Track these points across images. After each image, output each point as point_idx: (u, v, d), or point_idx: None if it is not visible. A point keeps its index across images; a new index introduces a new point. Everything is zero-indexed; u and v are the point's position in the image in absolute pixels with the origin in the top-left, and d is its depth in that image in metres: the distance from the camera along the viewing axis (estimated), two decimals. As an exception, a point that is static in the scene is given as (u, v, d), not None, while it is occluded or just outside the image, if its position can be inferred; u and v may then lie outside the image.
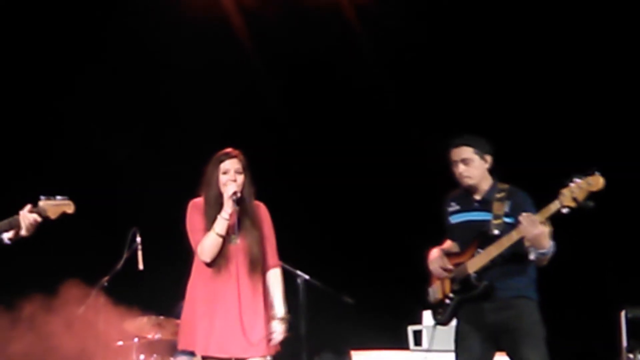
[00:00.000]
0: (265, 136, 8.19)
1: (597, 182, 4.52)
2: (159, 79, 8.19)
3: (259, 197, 5.22)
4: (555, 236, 4.74)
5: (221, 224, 4.94)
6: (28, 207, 4.46)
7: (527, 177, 5.08)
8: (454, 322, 5.15)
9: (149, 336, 6.93)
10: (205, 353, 4.89)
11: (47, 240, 4.60)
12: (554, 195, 4.62)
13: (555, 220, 4.66)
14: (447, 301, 5.07)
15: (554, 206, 4.60)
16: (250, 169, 5.11)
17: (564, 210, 4.57)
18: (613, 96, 7.85)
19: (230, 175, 5.01)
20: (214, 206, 5.00)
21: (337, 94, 8.63)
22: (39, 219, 4.47)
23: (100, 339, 6.90)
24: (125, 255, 6.53)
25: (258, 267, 5.04)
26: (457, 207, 5.14)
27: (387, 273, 8.01)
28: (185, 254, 5.29)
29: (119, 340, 6.99)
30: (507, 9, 8.01)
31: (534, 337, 4.86)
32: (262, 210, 5.18)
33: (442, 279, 5.12)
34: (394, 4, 8.25)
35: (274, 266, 5.16)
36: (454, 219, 5.15)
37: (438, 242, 5.33)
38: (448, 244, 5.24)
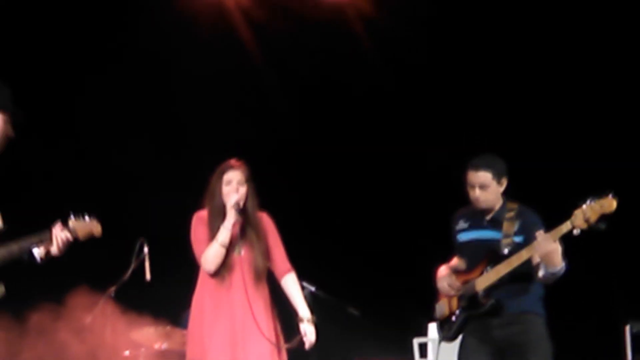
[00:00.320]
0: (272, 147, 8.21)
1: (611, 204, 4.53)
2: (168, 90, 8.23)
3: (265, 208, 5.26)
4: (565, 254, 4.76)
5: (224, 234, 4.98)
6: (59, 224, 4.50)
7: (529, 181, 5.09)
8: (459, 338, 5.18)
9: (156, 346, 6.94)
10: None
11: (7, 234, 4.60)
12: (559, 208, 4.65)
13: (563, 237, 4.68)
14: (454, 318, 5.10)
15: (565, 227, 4.62)
16: (256, 180, 5.15)
17: (576, 232, 4.59)
18: (623, 103, 7.86)
19: (233, 186, 5.06)
20: (218, 217, 5.04)
21: (345, 105, 8.65)
22: (71, 238, 4.53)
23: (108, 349, 6.91)
24: (132, 266, 6.55)
25: (262, 277, 5.08)
26: (465, 225, 5.15)
27: (394, 285, 8.01)
28: (191, 265, 5.33)
29: (126, 350, 7.01)
30: (511, 16, 8.04)
31: (541, 353, 4.89)
32: (266, 220, 5.22)
33: (449, 297, 5.14)
34: (400, 16, 8.27)
35: (287, 271, 5.19)
36: (463, 237, 5.17)
37: (445, 256, 5.35)
38: (455, 261, 5.25)
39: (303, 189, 8.27)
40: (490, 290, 4.91)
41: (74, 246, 4.67)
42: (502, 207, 5.03)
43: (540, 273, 4.81)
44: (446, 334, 5.19)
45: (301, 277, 5.81)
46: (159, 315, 6.97)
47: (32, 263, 4.51)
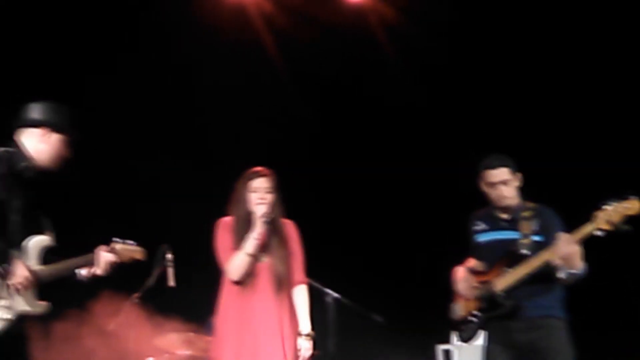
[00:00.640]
0: (295, 155, 8.23)
1: (635, 206, 4.55)
2: (190, 99, 8.28)
3: (289, 215, 5.26)
4: (585, 257, 4.75)
5: (251, 244, 4.98)
6: (104, 247, 4.64)
7: (556, 191, 5.09)
8: (479, 342, 5.16)
9: (179, 352, 6.96)
10: None
11: (58, 251, 4.67)
12: (580, 210, 4.64)
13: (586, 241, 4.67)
14: (472, 318, 5.08)
15: (588, 228, 4.63)
16: (281, 188, 5.15)
17: (599, 233, 4.59)
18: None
19: (259, 194, 5.05)
20: (243, 224, 5.04)
21: (367, 112, 8.66)
22: (116, 260, 4.65)
23: (131, 355, 6.95)
24: (156, 272, 6.58)
25: (284, 285, 5.07)
26: (483, 226, 5.17)
27: (417, 292, 8.00)
28: (212, 271, 5.35)
29: (150, 356, 7.03)
30: (532, 25, 8.03)
31: (564, 357, 4.87)
32: (290, 228, 5.21)
33: (466, 297, 5.13)
34: (422, 24, 8.28)
35: (300, 282, 5.18)
36: (481, 238, 5.17)
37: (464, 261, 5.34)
38: (472, 262, 5.24)
39: (327, 197, 8.28)
40: (510, 291, 4.90)
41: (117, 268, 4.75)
42: (520, 207, 5.05)
43: (560, 275, 4.80)
44: (464, 335, 5.18)
45: (326, 284, 5.84)
46: (182, 321, 7.00)
47: (78, 282, 4.64)
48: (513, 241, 4.95)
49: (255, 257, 5.02)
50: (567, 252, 4.67)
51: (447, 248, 7.33)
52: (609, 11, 7.74)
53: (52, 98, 6.22)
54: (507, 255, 4.94)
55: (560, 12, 7.91)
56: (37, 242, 4.43)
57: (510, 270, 4.89)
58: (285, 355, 4.96)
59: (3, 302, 4.20)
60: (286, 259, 5.10)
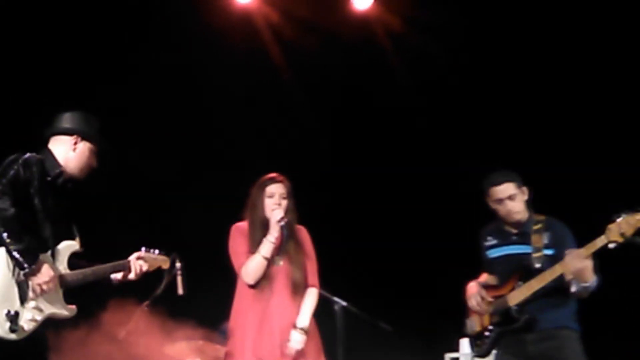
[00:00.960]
0: (302, 162, 8.26)
1: None
2: (199, 107, 8.33)
3: (297, 222, 5.30)
4: (597, 268, 4.76)
5: (267, 247, 5.03)
6: (136, 255, 4.82)
7: (566, 203, 5.09)
8: (492, 353, 5.18)
9: (188, 360, 7.00)
10: None
11: (83, 256, 4.73)
12: (591, 224, 4.66)
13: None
14: (487, 333, 5.12)
15: (600, 241, 4.66)
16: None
17: (611, 246, 4.60)
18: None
19: (275, 200, 5.10)
20: (259, 229, 5.09)
21: (373, 120, 8.70)
22: (147, 268, 4.87)
23: (141, 363, 6.98)
24: (165, 280, 6.60)
25: (300, 290, 5.13)
26: (494, 242, 5.19)
27: (425, 300, 8.02)
28: (222, 279, 5.38)
29: (159, 364, 7.07)
30: (540, 33, 8.06)
31: None
32: (304, 234, 5.26)
33: (481, 312, 5.14)
34: (428, 33, 8.32)
35: (311, 286, 5.21)
36: (493, 254, 5.20)
37: (475, 271, 5.36)
38: (485, 277, 5.25)
39: (334, 204, 8.30)
40: (524, 305, 4.92)
41: (103, 258, 4.81)
42: (529, 221, 5.07)
43: (573, 288, 4.82)
44: (479, 350, 5.20)
45: (333, 292, 5.85)
46: (197, 326, 7.03)
47: (106, 285, 4.82)
48: (525, 255, 4.99)
49: (270, 261, 5.05)
50: (578, 268, 4.67)
51: (456, 257, 7.39)
52: (614, 15, 7.78)
53: (62, 104, 6.29)
54: (520, 270, 4.98)
55: (565, 18, 7.94)
56: (66, 247, 4.52)
57: (524, 284, 4.91)
58: (309, 355, 5.01)
59: (33, 304, 4.25)
60: (302, 263, 5.15)
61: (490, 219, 5.27)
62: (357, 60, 8.54)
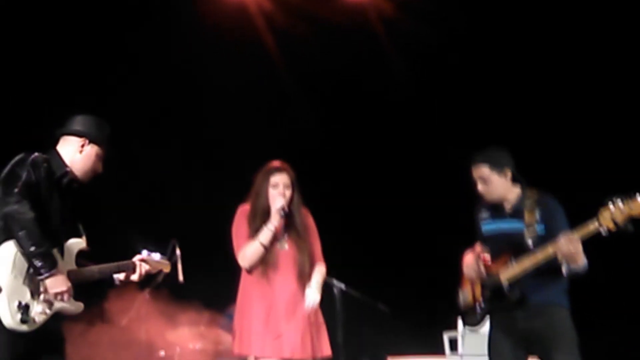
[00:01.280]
0: (298, 149, 8.29)
1: (638, 207, 4.54)
2: (195, 97, 8.37)
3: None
4: (591, 250, 4.79)
5: (266, 235, 5.09)
6: (140, 257, 4.85)
7: (565, 189, 5.11)
8: (485, 329, 5.22)
9: (191, 346, 7.07)
10: (260, 354, 5.03)
11: (89, 254, 4.80)
12: (587, 210, 4.69)
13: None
14: (478, 307, 5.13)
15: (592, 226, 4.63)
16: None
17: (602, 232, 4.59)
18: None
19: (279, 190, 5.14)
20: (261, 217, 5.14)
21: (368, 108, 8.73)
22: (149, 270, 4.88)
23: (143, 349, 7.05)
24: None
25: (305, 273, 5.17)
26: (488, 215, 5.17)
27: (422, 281, 8.06)
28: (225, 266, 5.44)
29: (162, 349, 7.14)
30: (538, 21, 8.09)
31: (567, 344, 4.89)
32: (307, 216, 5.31)
33: (473, 284, 5.20)
34: (420, 19, 8.33)
35: (318, 263, 5.26)
36: (486, 228, 5.18)
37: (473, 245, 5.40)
38: (479, 248, 5.29)
39: (329, 191, 8.33)
40: (515, 282, 4.93)
41: (104, 247, 4.87)
42: (522, 197, 5.03)
43: (564, 270, 4.85)
44: (470, 321, 5.22)
45: (331, 275, 5.91)
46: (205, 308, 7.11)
47: (108, 284, 4.84)
48: (518, 232, 4.96)
49: (273, 242, 5.11)
50: (568, 251, 4.71)
51: (451, 237, 7.42)
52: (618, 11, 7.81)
53: (59, 101, 6.35)
54: (512, 247, 4.95)
55: (558, 5, 7.97)
56: (74, 245, 4.58)
57: (515, 261, 4.92)
58: (311, 341, 5.08)
59: (43, 297, 4.32)
60: (307, 248, 5.19)
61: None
62: (350, 47, 8.55)
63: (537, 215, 4.95)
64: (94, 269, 4.67)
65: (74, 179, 4.62)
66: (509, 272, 4.95)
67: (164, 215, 7.91)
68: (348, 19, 8.48)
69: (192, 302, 7.18)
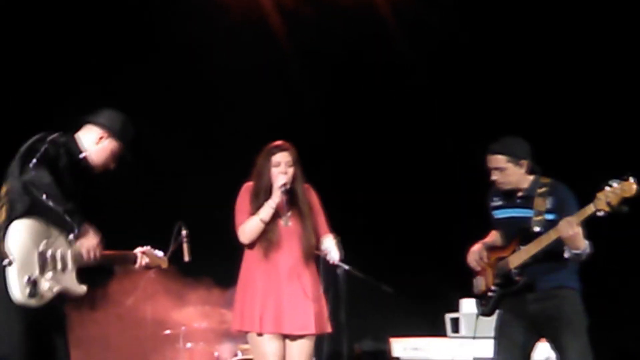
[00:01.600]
0: (302, 131, 8.33)
1: (630, 188, 4.58)
2: (200, 78, 8.39)
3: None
4: (595, 235, 4.84)
5: (266, 211, 5.14)
6: (142, 250, 4.98)
7: (569, 178, 5.14)
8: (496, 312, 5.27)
9: (196, 325, 7.15)
10: (260, 330, 5.09)
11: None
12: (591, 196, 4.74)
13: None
14: (490, 294, 5.17)
15: (589, 209, 4.68)
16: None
17: (600, 214, 4.65)
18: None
19: (281, 168, 5.20)
20: (262, 196, 5.18)
21: (373, 89, 8.75)
22: (150, 264, 5.00)
23: (149, 329, 7.14)
24: (171, 248, 6.71)
25: (310, 252, 5.23)
26: (499, 203, 5.21)
27: (426, 262, 8.12)
28: (227, 246, 5.50)
29: (167, 329, 7.22)
30: (546, 7, 8.09)
31: (575, 326, 4.93)
32: (310, 192, 5.37)
33: (485, 272, 5.26)
34: (428, 1, 8.36)
35: (326, 234, 5.32)
36: (497, 214, 5.23)
37: (476, 233, 5.44)
38: (492, 236, 5.34)
39: (334, 169, 8.38)
40: (523, 268, 4.99)
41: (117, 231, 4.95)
42: (534, 184, 5.08)
43: (566, 254, 4.89)
44: (484, 310, 5.25)
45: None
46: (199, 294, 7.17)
47: (107, 270, 5.00)
48: (527, 219, 5.01)
49: (277, 217, 5.16)
50: (569, 234, 4.76)
51: (455, 219, 7.48)
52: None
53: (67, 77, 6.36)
54: (520, 233, 5.01)
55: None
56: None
57: (523, 247, 4.97)
58: (313, 317, 5.14)
59: (51, 275, 4.40)
60: (311, 225, 5.25)
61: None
62: (356, 28, 8.55)
63: (549, 203, 4.99)
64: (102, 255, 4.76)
65: (89, 165, 4.70)
66: (516, 257, 5.00)
67: (174, 194, 7.99)
68: (355, 1, 8.47)
69: (202, 281, 7.26)
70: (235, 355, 7.05)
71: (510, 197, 5.15)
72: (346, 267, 6.12)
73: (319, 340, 5.43)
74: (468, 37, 8.38)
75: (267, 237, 5.19)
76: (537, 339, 5.09)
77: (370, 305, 7.20)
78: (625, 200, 4.60)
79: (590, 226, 4.82)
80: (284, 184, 5.15)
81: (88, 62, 7.93)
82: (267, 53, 8.55)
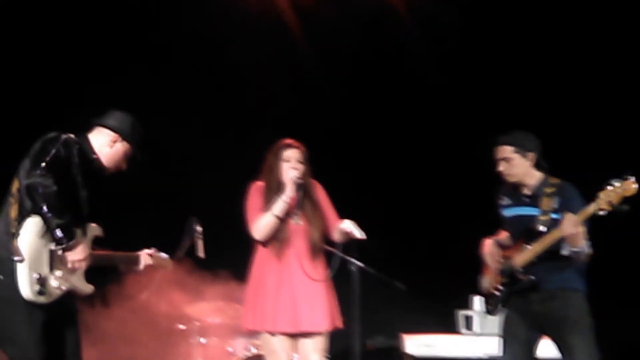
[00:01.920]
0: (317, 129, 8.35)
1: (630, 187, 4.67)
2: (215, 74, 8.43)
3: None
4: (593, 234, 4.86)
5: (280, 206, 5.14)
6: (147, 251, 5.08)
7: (582, 176, 5.16)
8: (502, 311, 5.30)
9: (209, 320, 7.19)
10: (274, 329, 5.11)
11: (111, 231, 4.93)
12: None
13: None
14: (496, 293, 5.22)
15: (591, 208, 4.74)
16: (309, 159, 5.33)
17: (601, 213, 4.71)
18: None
19: (292, 164, 5.22)
20: (274, 192, 5.19)
21: (390, 87, 8.75)
22: (154, 265, 5.11)
23: (162, 323, 7.18)
24: (185, 244, 6.75)
25: (318, 250, 5.25)
26: (508, 202, 5.26)
27: (438, 260, 8.12)
28: (240, 242, 5.53)
29: (180, 324, 7.26)
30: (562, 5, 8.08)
31: (581, 327, 4.98)
32: (319, 189, 5.39)
33: (492, 271, 5.27)
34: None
35: (339, 221, 5.32)
36: (506, 213, 5.28)
37: (488, 230, 5.46)
38: (503, 234, 5.37)
39: (348, 168, 8.39)
40: (529, 266, 5.03)
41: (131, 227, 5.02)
42: (542, 183, 5.12)
43: (564, 251, 4.92)
44: (491, 309, 5.30)
45: (348, 253, 5.98)
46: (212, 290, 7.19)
47: (114, 271, 5.06)
48: (533, 217, 5.06)
49: (287, 216, 5.19)
50: (570, 232, 4.79)
51: (467, 216, 7.47)
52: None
53: (84, 78, 6.39)
54: (526, 232, 5.06)
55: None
56: (92, 229, 4.74)
57: (528, 246, 5.02)
58: (325, 313, 5.17)
59: (60, 273, 4.47)
60: (320, 224, 5.27)
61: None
62: (373, 26, 8.56)
63: (555, 203, 5.03)
64: (106, 255, 4.85)
65: (100, 167, 4.76)
66: (522, 256, 5.04)
67: (188, 189, 8.03)
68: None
69: (216, 276, 7.30)
70: (249, 350, 7.09)
71: (518, 196, 5.19)
72: (359, 264, 6.16)
73: (329, 336, 5.44)
74: (484, 35, 8.36)
75: (277, 235, 5.21)
76: (540, 336, 5.14)
77: (383, 302, 7.22)
78: (625, 199, 4.67)
79: (599, 227, 4.85)
80: (298, 178, 5.16)
81: (101, 60, 7.95)
82: (282, 50, 8.56)
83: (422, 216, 8.18)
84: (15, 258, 4.34)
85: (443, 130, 8.46)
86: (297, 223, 5.25)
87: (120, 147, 4.82)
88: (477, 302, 7.16)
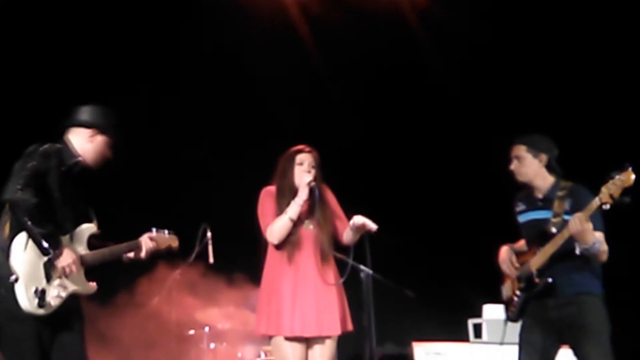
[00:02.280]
0: (330, 134, 8.37)
1: (628, 177, 4.63)
2: (231, 85, 8.47)
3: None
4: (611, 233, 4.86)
5: (294, 209, 5.12)
6: (147, 235, 5.02)
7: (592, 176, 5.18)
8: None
9: (220, 326, 7.21)
10: (289, 334, 5.07)
11: (122, 236, 4.96)
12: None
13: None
14: (516, 299, 5.18)
15: (595, 203, 4.71)
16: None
17: (605, 207, 4.68)
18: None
19: (305, 167, 5.23)
20: (287, 195, 5.17)
21: (400, 95, 8.78)
22: (156, 247, 5.03)
23: (173, 328, 7.20)
24: (196, 250, 6.79)
25: (328, 256, 5.23)
26: (523, 207, 5.23)
27: (448, 267, 8.12)
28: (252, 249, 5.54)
29: (191, 329, 7.28)
30: (570, 7, 8.10)
31: (597, 334, 4.90)
32: (328, 193, 5.40)
33: (511, 278, 5.28)
34: (454, 7, 8.37)
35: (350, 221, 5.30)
36: (521, 219, 5.24)
37: (501, 240, 5.47)
38: (521, 242, 5.38)
39: (362, 173, 8.41)
40: (544, 270, 5.00)
41: (137, 230, 5.05)
42: (554, 186, 5.11)
43: (577, 250, 4.91)
44: (511, 315, 5.25)
45: (359, 261, 6.00)
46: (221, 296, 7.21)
47: (118, 262, 5.00)
48: (546, 220, 5.04)
49: (302, 224, 5.19)
50: (576, 231, 4.80)
51: (479, 225, 7.48)
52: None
53: (102, 84, 6.42)
54: (539, 235, 5.04)
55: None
56: (85, 229, 4.78)
57: (542, 249, 5.00)
58: (337, 317, 5.18)
59: (58, 281, 4.52)
60: (328, 230, 5.26)
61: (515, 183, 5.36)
62: (382, 35, 8.59)
63: (568, 205, 5.01)
64: (106, 250, 4.85)
65: (85, 167, 4.81)
66: (537, 260, 5.02)
67: (200, 195, 8.07)
68: (381, 6, 8.51)
69: (227, 282, 7.31)
70: (259, 356, 7.10)
71: (532, 201, 5.18)
72: (370, 271, 6.16)
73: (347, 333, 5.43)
74: (493, 41, 8.39)
75: (290, 239, 5.21)
76: (559, 345, 5.08)
77: (393, 310, 7.21)
78: (625, 191, 4.64)
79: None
80: (311, 181, 5.18)
81: (125, 71, 8.00)
82: (296, 59, 8.59)
83: (434, 225, 8.19)
84: (11, 278, 4.40)
85: (460, 140, 8.48)
86: (308, 228, 5.25)
87: (100, 139, 4.88)
88: (487, 310, 7.16)
